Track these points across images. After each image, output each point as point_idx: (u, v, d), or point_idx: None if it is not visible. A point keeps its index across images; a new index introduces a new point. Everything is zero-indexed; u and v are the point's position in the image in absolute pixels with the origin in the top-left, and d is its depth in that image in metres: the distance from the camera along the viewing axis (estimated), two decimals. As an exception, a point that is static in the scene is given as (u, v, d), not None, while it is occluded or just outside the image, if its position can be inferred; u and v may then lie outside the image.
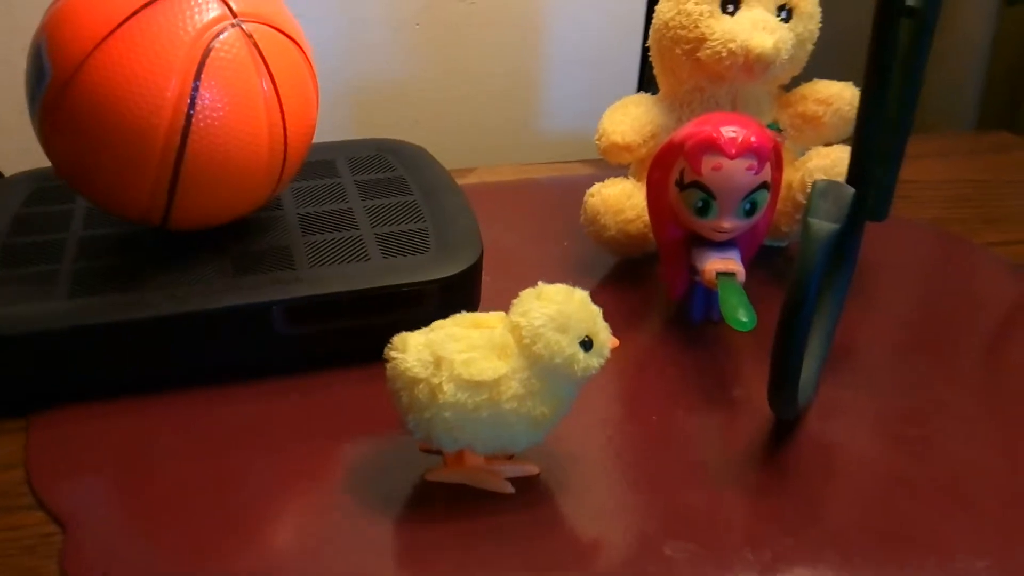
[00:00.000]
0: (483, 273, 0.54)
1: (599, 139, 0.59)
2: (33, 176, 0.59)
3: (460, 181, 0.60)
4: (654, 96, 0.61)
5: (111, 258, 0.51)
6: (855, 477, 0.45)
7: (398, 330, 0.42)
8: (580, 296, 0.41)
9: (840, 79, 0.60)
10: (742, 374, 0.51)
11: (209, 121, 0.46)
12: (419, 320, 0.42)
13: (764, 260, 0.59)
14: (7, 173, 0.61)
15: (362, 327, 0.49)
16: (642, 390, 0.51)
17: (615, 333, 0.41)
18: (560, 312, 0.40)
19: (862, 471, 0.45)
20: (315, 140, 0.64)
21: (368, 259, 0.51)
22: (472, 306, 0.52)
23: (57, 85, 0.45)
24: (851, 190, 0.42)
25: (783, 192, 0.56)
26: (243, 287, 0.48)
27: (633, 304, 0.57)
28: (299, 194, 0.58)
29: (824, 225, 0.41)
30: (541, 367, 0.40)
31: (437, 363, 0.40)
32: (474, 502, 0.42)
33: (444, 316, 0.42)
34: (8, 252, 0.51)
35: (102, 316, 0.46)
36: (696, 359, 0.52)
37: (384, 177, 0.60)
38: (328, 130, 0.76)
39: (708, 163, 0.50)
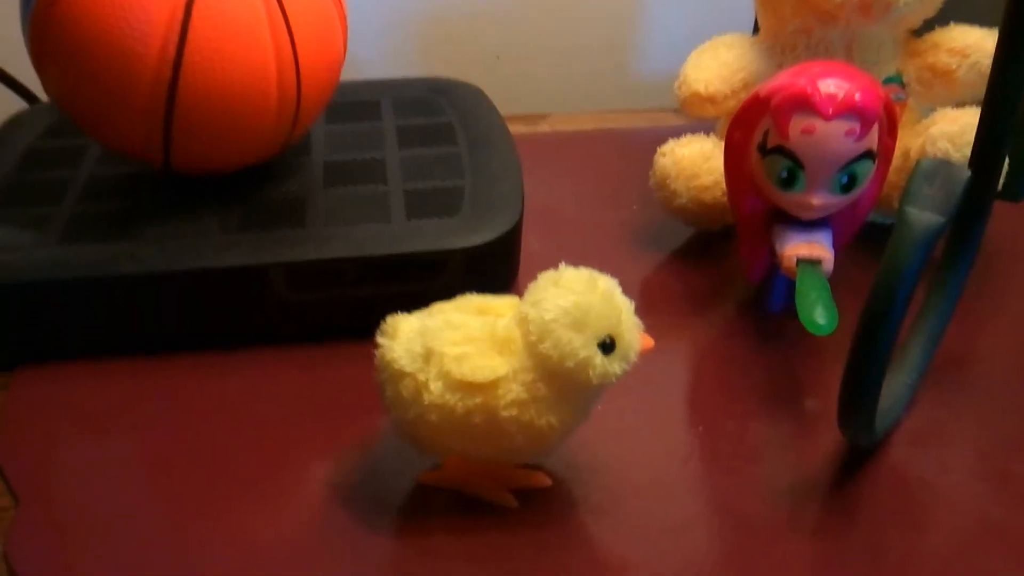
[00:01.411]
0: (532, 238, 0.47)
1: (679, 87, 0.50)
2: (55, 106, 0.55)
3: (530, 129, 0.52)
4: (752, 37, 0.51)
5: (114, 201, 0.46)
6: (941, 522, 0.36)
7: (416, 301, 0.35)
8: (605, 286, 0.33)
9: (985, 24, 0.49)
10: (821, 381, 0.43)
11: (204, 54, 0.40)
12: (441, 292, 0.36)
13: (869, 240, 0.49)
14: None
15: (373, 297, 0.42)
16: (694, 391, 0.43)
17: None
18: (577, 305, 0.32)
19: (951, 515, 0.36)
20: (367, 76, 0.58)
21: (389, 220, 0.44)
22: (505, 280, 0.45)
23: (43, 3, 0.41)
24: (965, 173, 0.33)
25: (898, 161, 0.47)
26: (243, 244, 0.43)
27: (702, 284, 0.49)
28: (332, 138, 0.52)
29: (924, 216, 0.31)
30: (549, 370, 0.33)
31: (427, 356, 0.33)
32: (470, 514, 0.36)
33: (471, 289, 0.36)
34: (12, 190, 0.47)
35: (86, 269, 0.42)
36: (768, 357, 0.44)
37: (430, 123, 0.53)
38: (397, 62, 0.70)
39: (797, 124, 0.40)
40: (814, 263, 0.42)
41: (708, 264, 0.50)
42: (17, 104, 0.57)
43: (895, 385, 0.40)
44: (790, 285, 0.45)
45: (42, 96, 0.58)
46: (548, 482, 0.37)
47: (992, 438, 0.40)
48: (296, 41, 0.42)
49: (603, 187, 0.57)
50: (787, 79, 0.41)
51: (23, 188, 0.48)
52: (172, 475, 0.38)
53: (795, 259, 0.42)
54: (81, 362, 0.43)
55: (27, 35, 0.43)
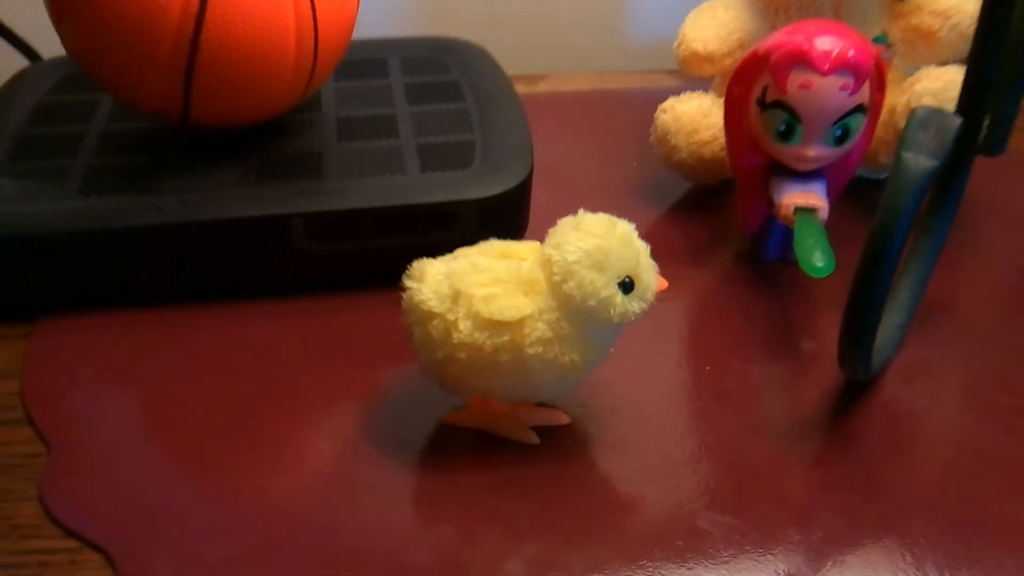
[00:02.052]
0: (538, 192, 0.48)
1: (677, 47, 0.52)
2: (66, 61, 0.55)
3: (529, 88, 0.54)
4: (747, -1, 0.53)
5: (130, 155, 0.47)
6: (932, 450, 0.39)
7: (431, 253, 0.37)
8: (623, 230, 0.35)
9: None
10: (816, 324, 0.45)
11: (227, 7, 0.41)
12: (456, 243, 0.38)
13: (857, 194, 0.51)
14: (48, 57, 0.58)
15: (391, 247, 0.44)
16: (699, 335, 0.45)
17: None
18: (598, 247, 0.34)
19: (942, 444, 0.39)
20: (369, 36, 0.59)
21: (404, 172, 0.46)
22: (517, 231, 0.47)
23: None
24: (957, 120, 0.35)
25: (884, 117, 0.49)
26: (263, 196, 0.44)
27: (702, 236, 0.51)
28: (342, 95, 0.53)
29: (920, 161, 0.34)
30: (572, 309, 0.35)
31: (455, 297, 0.35)
32: (493, 451, 0.38)
33: (484, 239, 0.38)
34: (25, 144, 0.48)
35: (108, 220, 0.43)
36: (766, 303, 0.46)
37: (437, 80, 0.54)
38: (393, 23, 0.71)
39: (795, 79, 0.42)
40: (810, 211, 0.44)
41: (706, 217, 0.52)
42: (19, 62, 0.58)
43: (887, 326, 0.42)
44: (786, 235, 0.48)
45: (45, 54, 0.59)
46: (567, 419, 0.39)
47: (977, 374, 0.42)
48: (315, -2, 0.44)
49: (603, 145, 0.59)
50: (785, 37, 0.44)
51: (36, 142, 0.48)
52: (196, 420, 0.40)
53: (792, 208, 0.44)
54: (102, 312, 0.44)
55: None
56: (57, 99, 0.52)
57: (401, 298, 0.37)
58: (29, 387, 0.41)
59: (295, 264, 0.45)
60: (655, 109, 0.53)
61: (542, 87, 0.66)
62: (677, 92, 0.53)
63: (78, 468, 0.38)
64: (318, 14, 0.44)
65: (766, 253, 0.49)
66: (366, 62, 0.56)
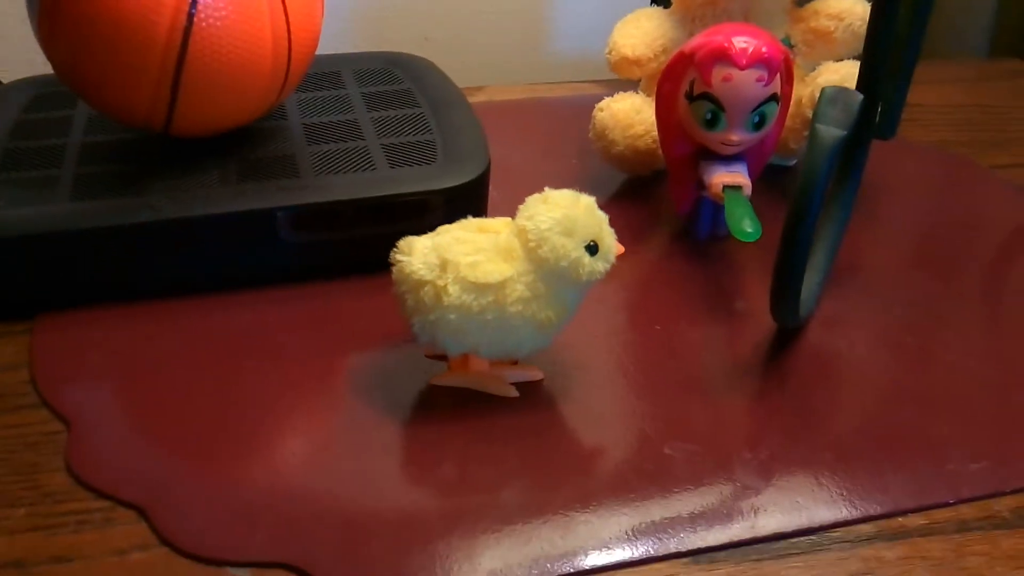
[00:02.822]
0: (491, 188, 0.53)
1: (609, 53, 0.58)
2: (33, 83, 0.58)
3: (469, 99, 0.59)
4: (666, 10, 0.60)
5: (113, 164, 0.50)
6: (854, 385, 0.45)
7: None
8: (586, 201, 0.41)
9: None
10: (745, 288, 0.52)
11: (211, 21, 0.45)
12: (425, 230, 0.42)
13: (770, 178, 0.58)
14: (7, 81, 0.60)
15: (367, 236, 0.49)
16: (647, 302, 0.51)
17: (624, 247, 0.41)
18: (566, 216, 0.40)
19: (861, 379, 0.46)
20: (321, 53, 0.63)
21: (374, 168, 0.51)
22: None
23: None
24: (859, 96, 0.42)
25: (792, 108, 0.56)
26: (248, 193, 0.48)
27: (640, 219, 0.57)
28: (304, 105, 0.57)
29: (831, 131, 0.40)
30: (547, 271, 0.40)
31: (443, 265, 0.40)
32: (478, 405, 0.43)
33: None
34: (9, 157, 0.51)
35: (104, 219, 0.46)
36: (701, 273, 0.53)
37: (391, 89, 0.59)
38: (333, 45, 0.75)
39: (718, 74, 0.49)
40: (737, 188, 0.50)
41: (642, 204, 0.59)
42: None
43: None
44: (714, 213, 0.54)
45: (7, 78, 0.61)
46: (541, 375, 0.44)
47: (886, 321, 0.49)
48: (288, 11, 0.48)
49: (543, 145, 0.65)
50: (707, 37, 0.50)
51: (21, 156, 0.51)
52: (200, 397, 0.43)
53: (721, 185, 0.50)
54: (100, 307, 0.47)
55: (35, 14, 0.46)
56: (32, 117, 0.55)
57: (382, 282, 0.41)
58: (40, 374, 0.44)
59: (279, 254, 0.49)
60: (585, 112, 0.60)
61: (480, 97, 0.72)
62: (602, 97, 0.59)
63: (98, 440, 0.41)
64: (292, 27, 0.48)
65: (698, 231, 0.55)
66: (322, 75, 0.60)
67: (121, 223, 0.46)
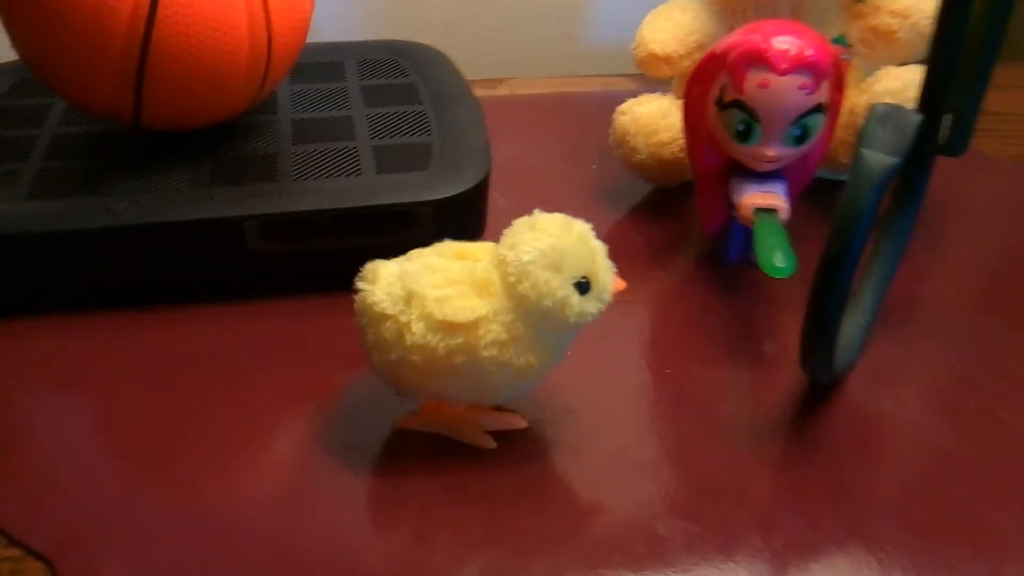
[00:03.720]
0: (498, 195, 0.48)
1: (636, 48, 0.52)
2: (18, 66, 0.54)
3: (488, 92, 0.53)
4: (703, 1, 0.53)
5: (82, 159, 0.46)
6: (897, 454, 0.38)
7: (387, 254, 0.36)
8: (579, 229, 0.35)
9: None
10: (778, 326, 0.45)
11: (178, 8, 0.40)
12: (412, 244, 0.37)
13: (817, 195, 0.51)
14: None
15: (345, 249, 0.43)
16: (658, 337, 0.44)
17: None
18: (554, 247, 0.34)
19: (906, 447, 0.39)
20: (328, 39, 0.58)
21: (360, 174, 0.45)
22: (474, 233, 0.46)
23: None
24: (916, 117, 0.35)
25: (845, 117, 0.49)
26: (216, 198, 0.43)
27: (662, 238, 0.51)
28: (297, 98, 0.52)
29: (879, 158, 0.33)
30: (528, 310, 0.34)
31: (408, 298, 0.34)
32: (448, 455, 0.37)
33: (441, 241, 0.37)
34: (-26, 147, 0.47)
35: (58, 223, 0.42)
36: (726, 305, 0.46)
37: (394, 83, 0.54)
38: (356, 31, 0.70)
39: (753, 79, 0.42)
40: (771, 211, 0.43)
41: (666, 219, 0.52)
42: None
43: (850, 327, 0.42)
44: (746, 237, 0.48)
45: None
46: (524, 423, 0.39)
47: (943, 375, 0.42)
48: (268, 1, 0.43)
49: (562, 147, 0.58)
50: (742, 36, 0.43)
51: (-14, 146, 0.47)
52: (147, 425, 0.39)
53: (752, 208, 0.44)
54: (53, 316, 0.43)
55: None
56: (9, 103, 0.51)
57: (354, 300, 0.36)
58: (-25, 393, 0.40)
59: (248, 266, 0.44)
60: (614, 111, 0.53)
61: (501, 91, 0.66)
62: (636, 95, 0.52)
63: (23, 472, 0.36)
64: (271, 15, 0.43)
65: (727, 255, 0.48)
66: (322, 65, 0.55)
67: (76, 228, 0.42)
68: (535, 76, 0.69)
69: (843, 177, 0.54)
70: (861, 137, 0.34)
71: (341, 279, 0.43)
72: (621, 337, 0.44)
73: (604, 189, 0.54)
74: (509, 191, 0.51)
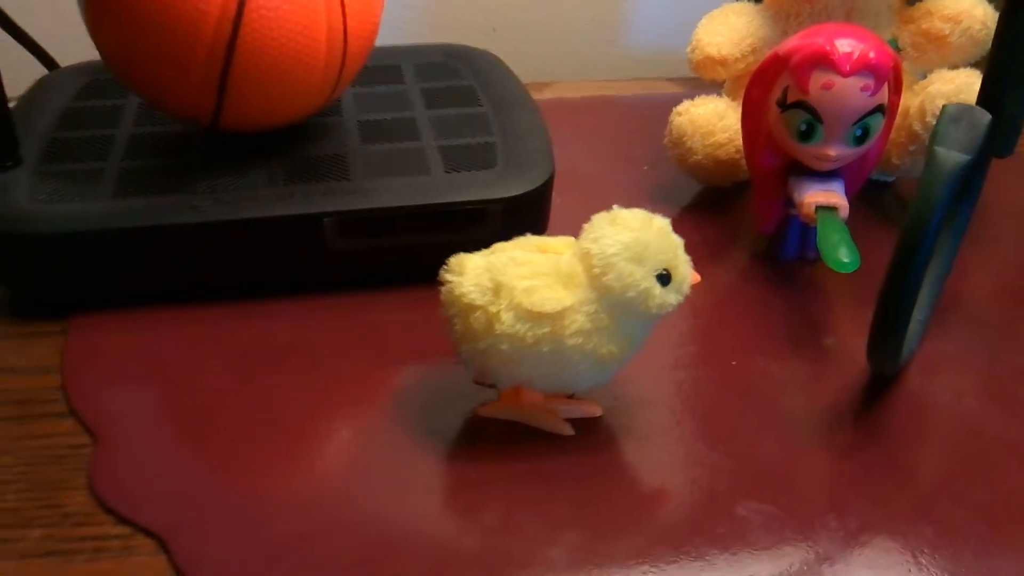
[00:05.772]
0: (554, 195, 0.49)
1: (691, 51, 0.53)
2: (88, 69, 0.56)
3: (535, 96, 0.55)
4: (758, 5, 0.54)
5: (160, 158, 0.48)
6: (958, 442, 0.40)
7: (456, 251, 0.38)
8: (660, 224, 0.36)
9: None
10: (835, 322, 0.46)
11: (263, 11, 0.42)
12: (480, 241, 0.38)
13: (869, 196, 0.53)
14: (64, 64, 0.58)
15: (418, 245, 0.45)
16: (721, 331, 0.46)
17: (698, 267, 0.37)
18: (637, 240, 0.35)
19: (967, 435, 0.40)
20: (380, 43, 0.60)
21: (429, 172, 0.47)
22: (539, 230, 0.48)
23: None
24: (987, 116, 0.36)
25: (898, 120, 0.50)
26: (294, 196, 0.45)
27: (716, 237, 0.52)
28: (360, 100, 0.53)
29: (953, 155, 0.35)
30: (611, 300, 0.35)
31: (496, 289, 0.36)
32: (528, 442, 0.39)
33: (507, 239, 0.38)
34: (55, 146, 0.48)
35: (145, 219, 0.43)
36: (784, 302, 0.47)
37: (453, 86, 0.55)
38: (395, 34, 0.72)
39: (817, 80, 0.44)
40: (832, 209, 0.45)
41: (720, 218, 0.53)
42: (35, 69, 0.58)
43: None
44: (802, 235, 0.49)
45: (62, 62, 0.59)
46: (599, 411, 0.40)
47: (997, 367, 0.43)
48: (346, 3, 0.44)
49: (613, 149, 0.60)
50: (806, 39, 0.45)
51: (66, 145, 0.48)
52: (233, 414, 0.40)
53: (815, 206, 0.45)
54: (137, 309, 0.45)
55: (82, -4, 0.44)
56: (83, 104, 0.52)
57: (433, 295, 0.37)
58: (70, 382, 0.41)
59: (325, 262, 0.45)
60: (661, 114, 0.54)
61: (547, 94, 0.67)
62: (681, 98, 0.54)
63: (125, 458, 0.38)
64: (348, 21, 0.45)
65: (783, 253, 0.50)
66: (381, 68, 0.57)
67: (163, 223, 0.43)
68: (576, 80, 0.70)
69: (893, 178, 0.55)
70: (934, 135, 0.36)
71: (411, 275, 0.45)
72: (685, 332, 0.45)
73: (657, 189, 0.55)
74: (563, 191, 0.52)
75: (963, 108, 0.36)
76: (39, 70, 0.58)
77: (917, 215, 0.35)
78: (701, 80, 0.55)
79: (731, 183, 0.54)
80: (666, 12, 0.76)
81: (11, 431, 0.39)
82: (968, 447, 0.39)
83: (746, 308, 0.47)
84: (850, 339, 0.44)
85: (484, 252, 0.38)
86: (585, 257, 0.36)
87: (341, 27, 0.45)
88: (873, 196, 0.54)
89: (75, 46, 0.55)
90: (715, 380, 0.42)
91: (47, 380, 0.42)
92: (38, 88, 0.54)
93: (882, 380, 0.42)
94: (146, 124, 0.51)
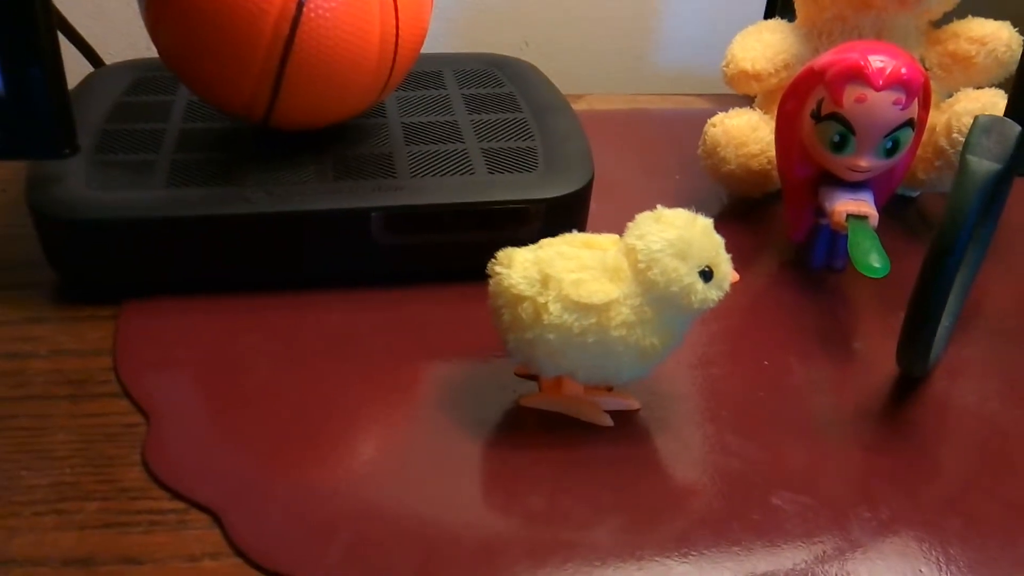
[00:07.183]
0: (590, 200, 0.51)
1: (726, 65, 0.55)
2: (135, 66, 0.57)
3: (569, 107, 0.57)
4: (791, 23, 0.56)
5: (210, 152, 0.49)
6: (984, 441, 0.41)
7: (498, 249, 0.39)
8: (703, 223, 0.38)
9: (996, 18, 0.55)
10: (862, 327, 0.48)
11: (320, 12, 0.44)
12: (521, 240, 0.40)
13: (894, 210, 0.55)
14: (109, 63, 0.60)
15: (462, 242, 0.47)
16: (753, 333, 0.47)
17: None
18: (681, 238, 0.37)
19: (992, 435, 0.41)
20: (422, 52, 0.62)
21: (473, 173, 0.48)
22: (578, 231, 0.49)
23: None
24: (1016, 128, 0.38)
25: (924, 136, 0.52)
26: (343, 191, 0.46)
27: (748, 244, 0.53)
28: (403, 103, 0.55)
29: (985, 164, 0.36)
30: (655, 295, 0.37)
31: (544, 281, 0.37)
32: (568, 432, 0.40)
33: (547, 238, 0.40)
34: (107, 139, 0.50)
35: (198, 208, 0.45)
36: (814, 307, 0.49)
37: (493, 92, 0.57)
38: (430, 44, 0.73)
39: (851, 93, 0.45)
40: (862, 218, 0.46)
41: (750, 227, 0.55)
42: (81, 66, 0.59)
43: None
44: (832, 243, 0.51)
45: (107, 59, 0.61)
46: (638, 404, 0.41)
47: (1019, 374, 0.45)
48: (399, 8, 0.46)
49: (644, 159, 0.62)
50: (840, 54, 0.46)
51: (118, 137, 0.50)
52: (283, 400, 0.41)
53: (845, 215, 0.47)
54: (187, 297, 0.46)
55: (143, -4, 0.45)
56: (132, 99, 0.54)
57: (474, 291, 0.39)
58: (123, 363, 0.43)
59: (371, 256, 0.47)
60: (690, 127, 0.56)
61: (581, 106, 0.69)
62: (710, 113, 0.55)
63: (178, 436, 0.39)
64: (400, 24, 0.46)
65: (812, 260, 0.51)
66: (423, 74, 0.59)
67: (216, 213, 0.45)
68: (606, 93, 0.72)
69: (917, 194, 0.57)
70: (967, 145, 0.37)
71: (456, 271, 0.46)
72: (719, 332, 0.47)
73: (688, 197, 0.56)
74: (598, 198, 0.54)
75: (994, 120, 0.38)
76: (83, 67, 0.60)
77: (951, 219, 0.36)
78: (728, 96, 0.57)
79: (761, 193, 0.56)
80: (694, 31, 0.78)
81: (67, 409, 0.41)
82: (994, 445, 0.41)
83: (777, 311, 0.49)
84: (877, 344, 0.46)
85: (531, 247, 0.39)
86: (630, 253, 0.37)
87: (393, 30, 0.46)
88: (898, 210, 0.55)
89: (118, 46, 0.57)
90: (748, 378, 0.44)
91: (100, 362, 0.43)
92: (88, 83, 0.56)
93: (909, 383, 0.44)
94: (196, 120, 0.52)
